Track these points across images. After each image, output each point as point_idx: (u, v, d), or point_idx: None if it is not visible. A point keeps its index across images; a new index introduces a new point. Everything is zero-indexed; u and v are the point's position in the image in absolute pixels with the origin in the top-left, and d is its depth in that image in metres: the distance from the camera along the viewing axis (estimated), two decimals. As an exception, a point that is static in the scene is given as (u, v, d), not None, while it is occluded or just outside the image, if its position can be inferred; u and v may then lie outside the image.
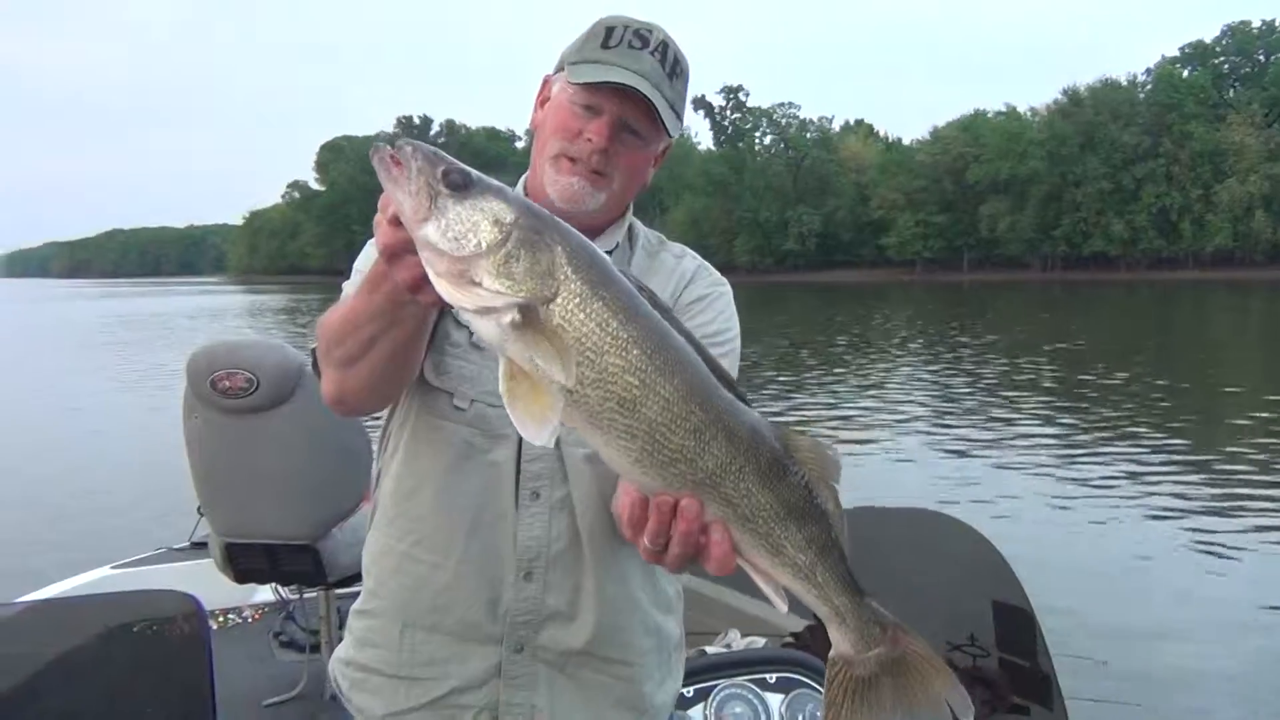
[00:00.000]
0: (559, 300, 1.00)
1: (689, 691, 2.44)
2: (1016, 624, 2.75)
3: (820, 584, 1.10)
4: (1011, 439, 11.75)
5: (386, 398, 1.46)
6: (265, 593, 4.35)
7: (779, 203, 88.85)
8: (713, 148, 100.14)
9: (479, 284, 0.99)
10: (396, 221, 1.06)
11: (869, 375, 18.02)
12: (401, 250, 1.09)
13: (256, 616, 4.45)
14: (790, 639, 3.01)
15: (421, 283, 1.07)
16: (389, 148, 1.05)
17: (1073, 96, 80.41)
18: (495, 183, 1.06)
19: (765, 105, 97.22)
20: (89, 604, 2.68)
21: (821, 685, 2.52)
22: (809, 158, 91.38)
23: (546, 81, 1.56)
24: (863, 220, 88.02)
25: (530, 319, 0.99)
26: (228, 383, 3.31)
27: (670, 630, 1.63)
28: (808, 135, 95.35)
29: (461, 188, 1.02)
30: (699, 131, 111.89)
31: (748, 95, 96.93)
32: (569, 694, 1.53)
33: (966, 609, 2.88)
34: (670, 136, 1.51)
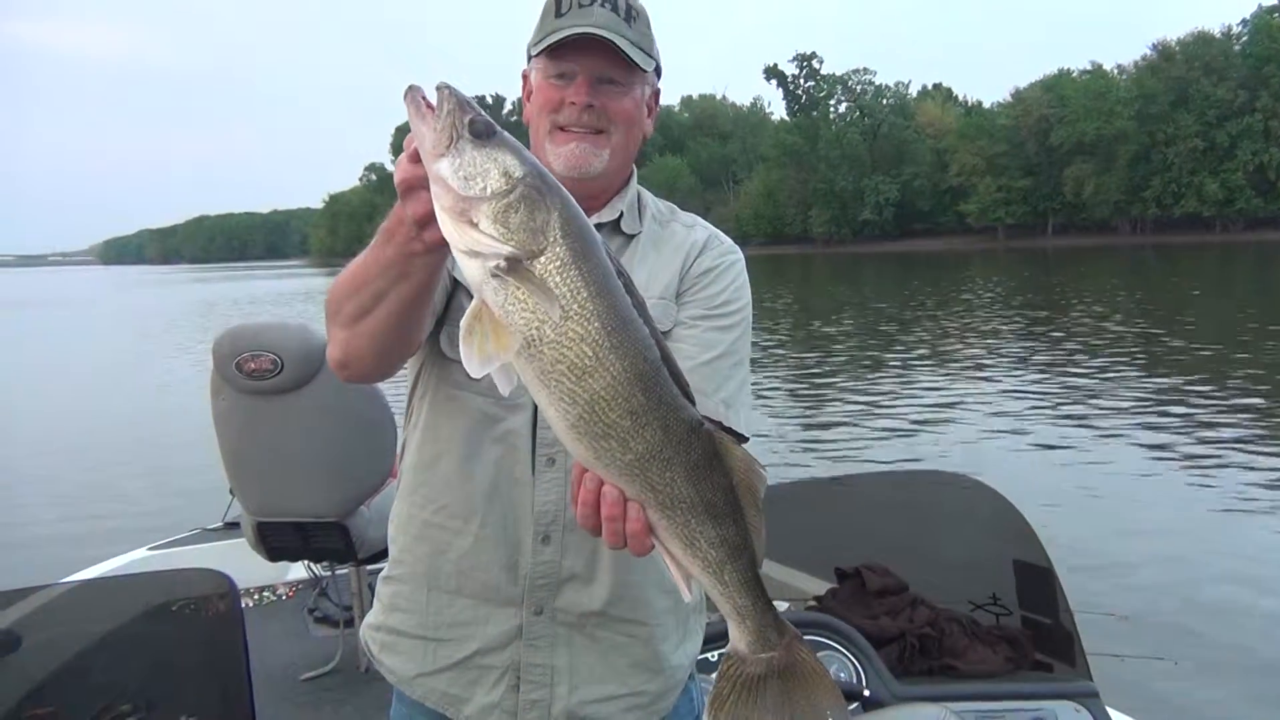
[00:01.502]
0: (542, 259, 1.06)
1: (712, 656, 2.47)
2: (1038, 582, 2.81)
3: (726, 582, 1.17)
4: (1064, 403, 11.82)
5: (390, 362, 1.47)
6: (298, 570, 4.45)
7: (855, 172, 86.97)
8: (786, 117, 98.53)
9: (476, 225, 1.06)
10: (416, 159, 1.12)
11: (942, 346, 17.75)
12: (417, 184, 1.14)
13: (290, 594, 4.56)
14: (813, 602, 3.06)
15: (429, 218, 1.13)
16: (423, 89, 1.12)
17: (1163, 51, 76.83)
18: (516, 142, 1.12)
19: (839, 72, 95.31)
20: (128, 584, 2.75)
21: (846, 648, 2.58)
22: (885, 124, 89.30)
23: (525, 76, 1.61)
24: (941, 187, 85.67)
25: (513, 269, 1.06)
26: (253, 364, 3.37)
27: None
28: (884, 101, 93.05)
29: (483, 136, 1.08)
30: (772, 101, 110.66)
31: (821, 63, 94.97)
32: (588, 655, 1.57)
33: (988, 569, 2.95)
34: (645, 70, 1.55)
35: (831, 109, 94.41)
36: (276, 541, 3.66)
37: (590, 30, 1.46)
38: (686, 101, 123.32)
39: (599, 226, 1.56)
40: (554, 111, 1.52)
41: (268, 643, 3.96)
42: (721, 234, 1.69)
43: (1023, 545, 2.85)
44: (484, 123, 1.09)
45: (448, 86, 1.10)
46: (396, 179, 1.17)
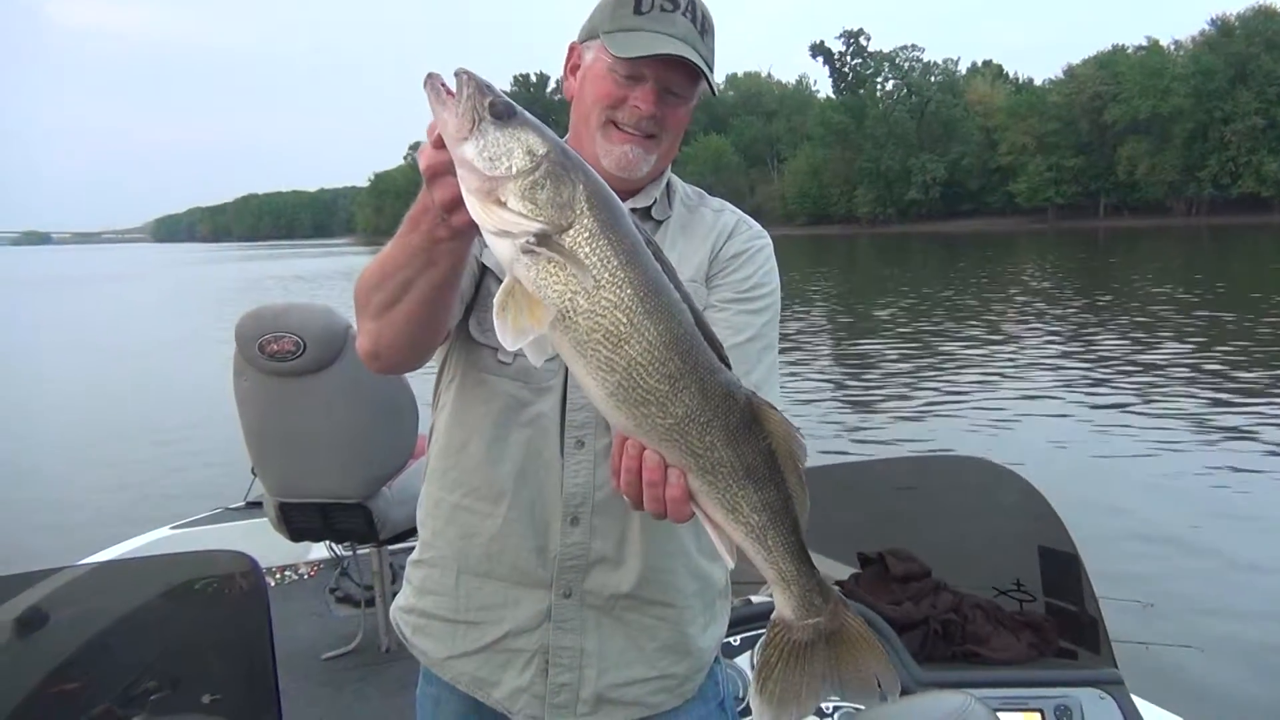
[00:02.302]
0: (571, 232, 1.08)
1: (735, 640, 2.51)
2: (1062, 568, 2.78)
3: (770, 547, 1.17)
4: (1100, 388, 11.72)
5: (420, 352, 1.48)
6: (320, 550, 4.49)
7: (901, 150, 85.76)
8: (832, 95, 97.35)
9: (504, 204, 1.08)
10: (440, 145, 1.13)
11: (982, 330, 17.50)
12: (442, 170, 1.15)
13: (312, 573, 4.60)
14: (836, 587, 2.98)
15: (456, 202, 1.14)
16: (441, 76, 1.12)
17: (1222, 26, 74.64)
18: (536, 120, 1.12)
19: (887, 49, 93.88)
20: (153, 563, 2.79)
21: None
22: (933, 102, 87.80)
23: (574, 49, 1.59)
24: (990, 166, 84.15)
25: (543, 244, 1.07)
26: (275, 346, 3.39)
27: (715, 576, 1.66)
28: (932, 79, 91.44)
29: (504, 117, 1.09)
30: (818, 79, 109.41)
31: (869, 39, 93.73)
32: (617, 638, 1.58)
33: (1013, 554, 2.93)
34: (713, 93, 1.57)
35: (879, 87, 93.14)
36: (298, 522, 3.69)
37: (676, 51, 1.45)
38: (731, 79, 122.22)
39: (631, 211, 1.57)
40: (612, 107, 1.51)
41: (289, 622, 4.02)
42: (749, 218, 1.69)
43: (1048, 530, 2.81)
44: (504, 104, 1.10)
45: (466, 71, 1.11)
46: (421, 166, 1.17)
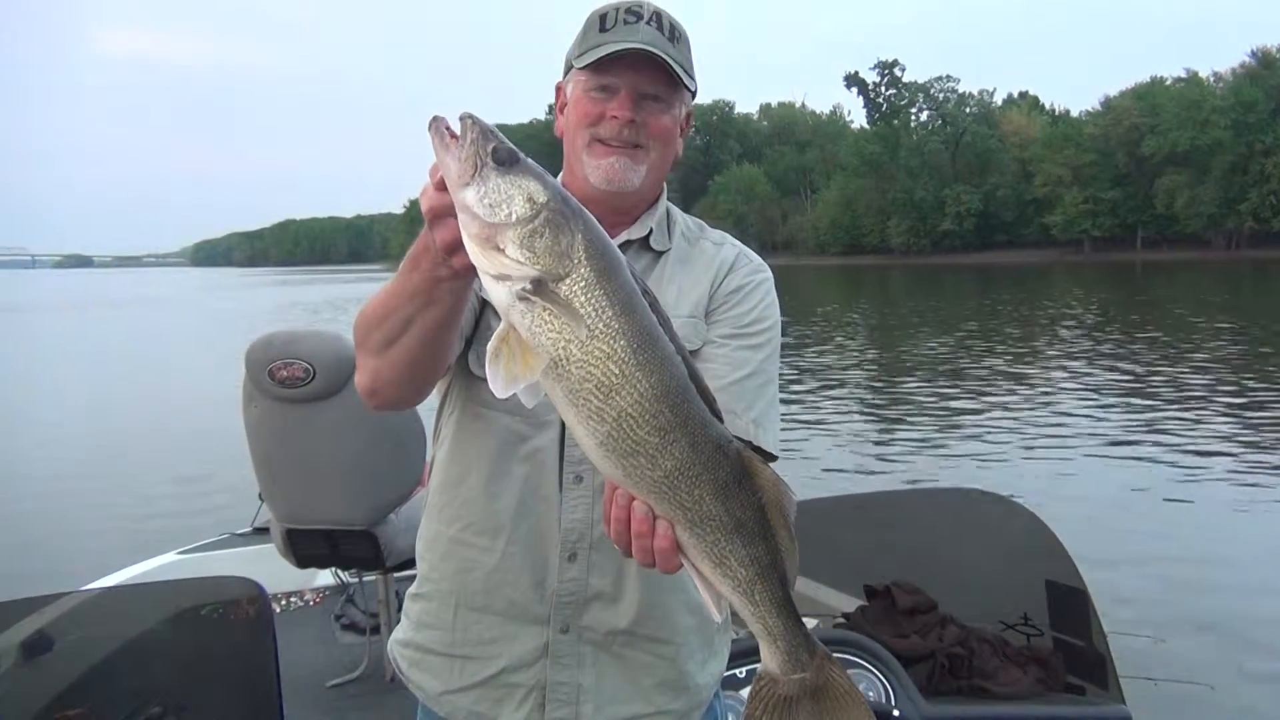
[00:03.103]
0: (568, 281, 1.08)
1: (741, 673, 2.50)
2: (1070, 603, 2.77)
3: (757, 602, 1.17)
4: (1114, 424, 11.57)
5: (419, 389, 1.49)
6: (326, 576, 4.49)
7: (936, 181, 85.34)
8: (866, 126, 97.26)
9: (502, 250, 1.08)
10: (442, 187, 1.14)
11: (1006, 364, 17.34)
12: (444, 212, 1.16)
13: (318, 600, 4.58)
14: (842, 619, 3.03)
15: (457, 245, 1.15)
16: (446, 120, 1.14)
17: (1263, 58, 73.91)
18: (539, 168, 1.13)
19: (922, 80, 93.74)
20: (158, 590, 2.80)
21: (875, 667, 2.53)
22: (968, 133, 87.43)
23: (560, 89, 1.62)
24: (1025, 198, 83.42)
25: (539, 292, 1.08)
26: (285, 372, 3.40)
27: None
28: (967, 110, 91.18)
29: (506, 164, 1.10)
30: (852, 110, 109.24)
31: (903, 70, 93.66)
32: (614, 674, 1.57)
33: (1020, 588, 2.91)
34: (690, 90, 1.57)
35: (913, 117, 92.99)
36: (305, 549, 3.70)
37: (639, 46, 1.47)
38: (765, 109, 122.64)
39: (628, 243, 1.60)
40: (593, 125, 1.53)
41: (294, 648, 3.98)
42: (750, 251, 1.69)
43: (1055, 565, 2.80)
44: (507, 150, 1.11)
45: (471, 116, 1.12)
46: (423, 208, 1.19)
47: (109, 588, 3.22)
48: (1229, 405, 12.26)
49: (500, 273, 1.08)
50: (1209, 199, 71.70)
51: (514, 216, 1.08)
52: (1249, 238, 72.18)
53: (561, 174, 1.61)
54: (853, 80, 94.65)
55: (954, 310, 30.61)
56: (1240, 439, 10.39)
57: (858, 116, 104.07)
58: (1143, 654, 3.51)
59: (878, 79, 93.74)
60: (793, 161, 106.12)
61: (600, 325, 1.08)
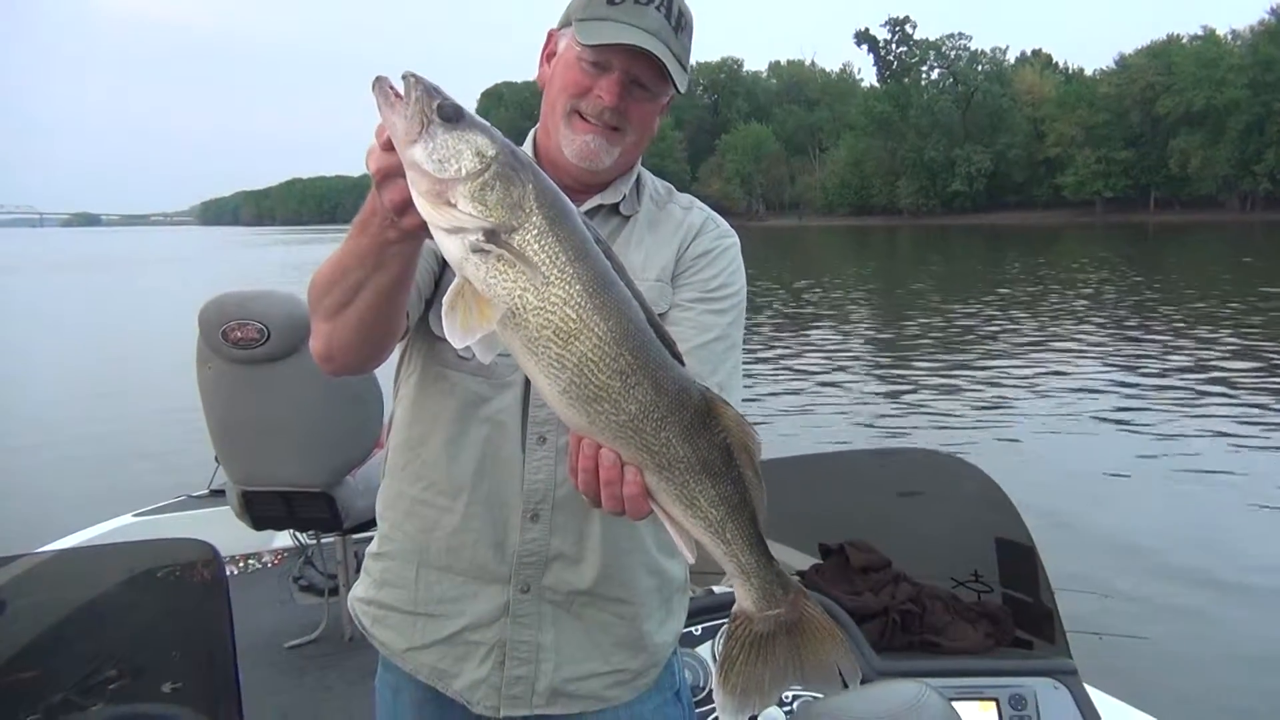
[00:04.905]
0: (520, 231, 1.09)
1: (697, 630, 2.53)
2: (1019, 560, 2.80)
3: (729, 540, 1.17)
4: (1070, 384, 11.82)
5: (374, 353, 1.47)
6: (284, 538, 4.47)
7: (946, 141, 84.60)
8: (876, 84, 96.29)
9: (454, 205, 1.08)
10: (389, 147, 1.14)
11: (995, 325, 17.37)
12: (392, 173, 1.15)
13: (276, 561, 4.58)
14: (797, 577, 3.02)
15: (406, 205, 1.14)
16: (389, 79, 1.13)
17: (1282, 15, 72.75)
18: (484, 122, 1.13)
19: (933, 37, 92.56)
20: (112, 552, 2.78)
21: None
22: (979, 92, 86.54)
23: (551, 36, 1.59)
24: (1037, 158, 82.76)
25: (492, 243, 1.08)
26: (239, 333, 3.37)
27: (673, 572, 1.67)
28: (979, 68, 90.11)
29: (452, 120, 1.10)
30: (862, 68, 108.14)
31: (915, 27, 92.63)
32: (573, 633, 1.59)
33: (971, 546, 2.95)
34: (679, 90, 1.55)
35: (924, 75, 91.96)
36: (262, 510, 3.69)
37: (642, 45, 1.45)
38: (774, 67, 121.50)
39: (599, 207, 1.60)
40: (578, 96, 1.51)
41: (252, 611, 4.01)
42: (718, 216, 1.69)
43: (1005, 523, 2.82)
44: (452, 106, 1.11)
45: (414, 75, 1.12)
46: (371, 169, 1.18)
47: (62, 550, 3.22)
48: (1184, 373, 12.37)
49: (453, 225, 1.09)
50: (1224, 160, 70.89)
51: (464, 171, 1.09)
52: (1264, 199, 71.45)
53: (535, 128, 1.62)
54: (863, 37, 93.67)
55: (959, 272, 30.49)
56: (1190, 407, 10.57)
57: (868, 75, 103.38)
58: (1089, 609, 3.63)
59: (888, 36, 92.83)
60: (801, 120, 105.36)
61: (555, 272, 1.08)
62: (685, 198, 1.72)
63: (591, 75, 1.50)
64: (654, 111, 1.57)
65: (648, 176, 1.70)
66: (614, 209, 1.62)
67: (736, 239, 1.68)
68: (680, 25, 1.51)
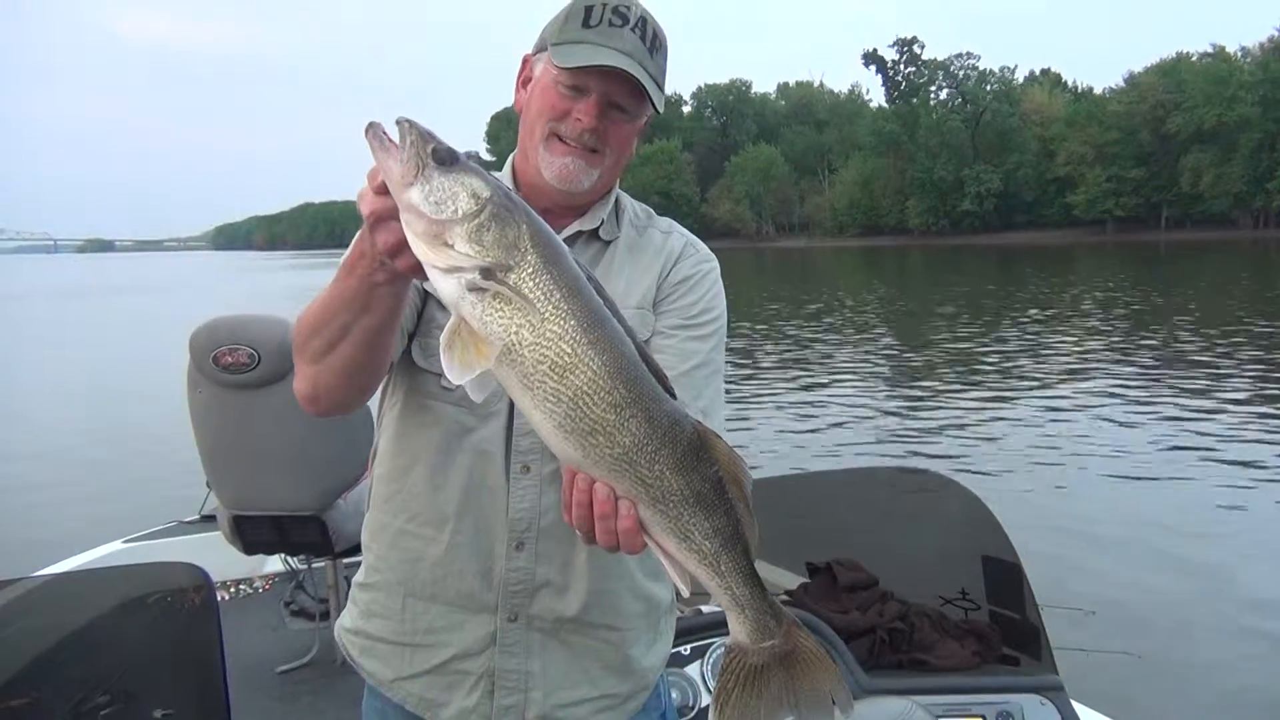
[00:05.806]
0: (516, 269, 1.12)
1: (685, 650, 2.55)
2: (1006, 577, 2.83)
3: (723, 573, 1.19)
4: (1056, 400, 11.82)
5: (359, 394, 1.48)
6: (275, 563, 4.47)
7: (955, 161, 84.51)
8: (884, 105, 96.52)
9: (451, 246, 1.12)
10: (383, 191, 1.17)
11: (993, 348, 17.29)
12: (386, 216, 1.18)
13: (267, 586, 4.56)
14: (785, 596, 3.06)
15: (400, 247, 1.17)
16: (382, 125, 1.16)
17: (1292, 32, 72.66)
18: (478, 166, 1.17)
19: (942, 57, 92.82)
20: (104, 577, 2.78)
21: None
22: (988, 112, 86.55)
23: (526, 61, 1.60)
24: (1047, 177, 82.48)
25: (489, 282, 1.11)
26: (230, 358, 3.39)
27: (660, 596, 1.67)
28: (987, 88, 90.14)
29: (447, 163, 1.14)
30: (870, 88, 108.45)
31: (923, 48, 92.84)
32: (562, 660, 1.59)
33: (958, 564, 2.98)
34: (657, 111, 1.57)
35: (932, 96, 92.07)
36: (253, 535, 3.68)
37: (618, 66, 1.46)
38: (782, 89, 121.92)
39: (578, 234, 1.62)
40: (556, 120, 1.52)
41: (244, 635, 4.00)
42: (697, 240, 1.71)
43: (992, 541, 2.83)
44: (446, 150, 1.14)
45: (408, 120, 1.15)
46: (364, 212, 1.20)
47: (53, 575, 3.22)
48: (1175, 392, 12.36)
49: (450, 265, 1.11)
50: (1236, 177, 70.56)
51: (460, 212, 1.12)
52: (1277, 217, 71.08)
53: (514, 154, 1.63)
54: (871, 58, 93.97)
55: (969, 294, 30.41)
56: (1174, 418, 10.64)
57: (876, 95, 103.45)
58: (1076, 626, 3.63)
59: (897, 57, 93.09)
60: (810, 141, 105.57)
61: (550, 308, 1.11)
62: (665, 221, 1.73)
63: (569, 98, 1.51)
64: (632, 133, 1.58)
65: (626, 200, 1.71)
66: (594, 234, 1.63)
67: (716, 263, 1.69)
68: (655, 46, 1.52)
